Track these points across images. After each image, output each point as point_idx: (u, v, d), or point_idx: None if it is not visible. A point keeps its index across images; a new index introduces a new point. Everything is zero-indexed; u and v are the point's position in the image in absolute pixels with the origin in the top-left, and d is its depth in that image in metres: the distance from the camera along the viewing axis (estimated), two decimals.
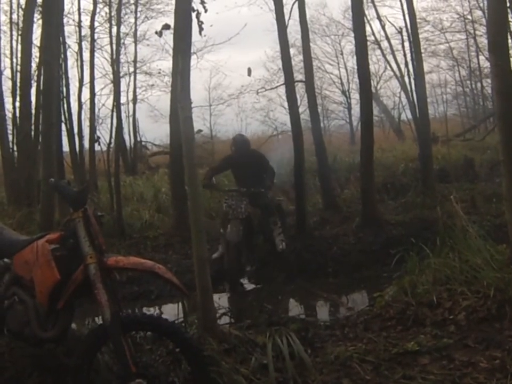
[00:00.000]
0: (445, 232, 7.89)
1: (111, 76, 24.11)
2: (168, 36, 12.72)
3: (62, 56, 17.17)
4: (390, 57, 25.62)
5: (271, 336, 5.98)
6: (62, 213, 11.53)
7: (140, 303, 9.79)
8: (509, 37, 20.21)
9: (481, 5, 32.93)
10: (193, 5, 6.63)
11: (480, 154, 22.48)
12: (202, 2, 6.92)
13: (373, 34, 27.28)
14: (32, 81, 17.74)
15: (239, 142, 12.04)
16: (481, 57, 36.79)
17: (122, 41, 25.47)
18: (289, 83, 13.84)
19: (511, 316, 6.24)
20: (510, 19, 18.76)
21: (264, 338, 6.02)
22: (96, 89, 22.74)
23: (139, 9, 31.28)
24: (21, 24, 19.67)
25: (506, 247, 7.46)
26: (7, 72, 21.04)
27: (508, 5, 17.42)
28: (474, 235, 7.55)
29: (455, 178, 18.08)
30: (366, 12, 21.12)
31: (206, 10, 6.99)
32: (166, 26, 7.25)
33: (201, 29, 7.03)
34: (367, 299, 9.25)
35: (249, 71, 11.99)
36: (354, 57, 14.87)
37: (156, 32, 7.33)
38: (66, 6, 20.37)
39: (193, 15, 6.65)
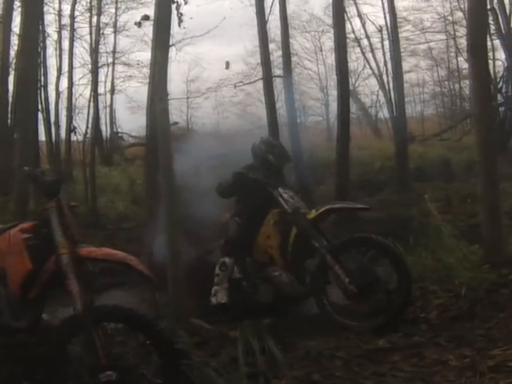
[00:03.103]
0: (419, 230, 7.93)
1: (90, 66, 24.01)
2: (148, 27, 12.69)
3: (41, 44, 17.10)
4: (369, 56, 25.73)
5: (242, 330, 5.99)
6: (38, 202, 11.44)
7: (113, 295, 9.75)
8: (488, 39, 20.42)
9: (462, 6, 32.81)
10: None
11: (456, 154, 22.51)
12: None
13: (353, 32, 27.29)
14: (10, 69, 17.67)
15: (282, 150, 8.60)
16: (460, 58, 36.78)
17: (102, 31, 25.31)
18: (268, 78, 13.88)
19: (482, 315, 6.30)
20: (490, 22, 18.92)
21: (235, 333, 6.03)
22: (75, 78, 22.59)
23: None
24: (0, 12, 19.58)
25: (480, 247, 7.53)
26: None
27: (488, 7, 17.61)
28: (448, 234, 7.61)
29: (431, 177, 18.19)
30: (347, 9, 21.13)
31: (186, 2, 7.00)
32: (145, 17, 7.27)
33: (180, 21, 7.05)
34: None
35: (227, 64, 12.05)
36: (334, 54, 14.91)
37: (135, 23, 7.34)
38: None
39: (173, 6, 6.66)
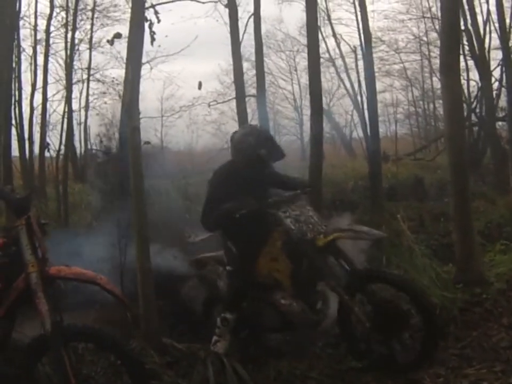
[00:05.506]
0: (391, 250, 7.93)
1: (64, 82, 23.90)
2: (123, 44, 12.66)
3: (16, 59, 17.03)
4: (343, 75, 25.85)
5: (209, 351, 5.99)
6: (10, 218, 11.34)
7: (84, 314, 9.66)
8: (462, 59, 20.59)
9: (437, 27, 33.07)
10: (146, 15, 6.62)
11: (430, 174, 22.62)
12: (156, 13, 6.92)
13: (328, 51, 27.51)
14: None
15: (276, 144, 6.90)
16: (434, 78, 37.04)
17: (77, 47, 25.22)
18: (240, 97, 13.91)
19: (455, 334, 6.30)
20: (464, 42, 19.06)
21: (206, 352, 6.01)
22: (49, 94, 22.47)
23: (96, 15, 31.09)
24: None
25: (453, 266, 7.55)
26: None
27: (462, 28, 17.75)
28: (421, 254, 7.62)
29: (404, 196, 18.22)
30: (322, 29, 21.35)
31: (159, 21, 6.98)
32: (117, 35, 7.23)
33: (153, 39, 7.01)
34: None
35: (200, 84, 12.03)
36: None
37: (107, 41, 7.31)
38: (23, 9, 20.18)
39: (146, 25, 6.65)
